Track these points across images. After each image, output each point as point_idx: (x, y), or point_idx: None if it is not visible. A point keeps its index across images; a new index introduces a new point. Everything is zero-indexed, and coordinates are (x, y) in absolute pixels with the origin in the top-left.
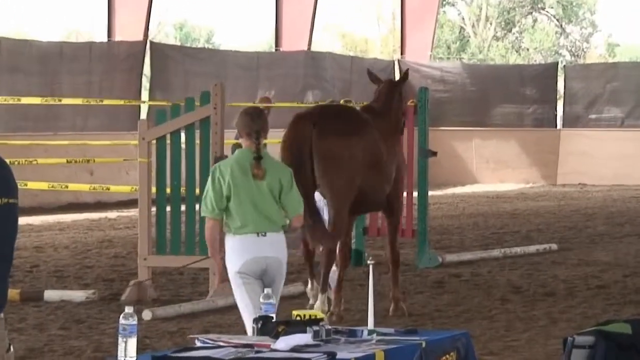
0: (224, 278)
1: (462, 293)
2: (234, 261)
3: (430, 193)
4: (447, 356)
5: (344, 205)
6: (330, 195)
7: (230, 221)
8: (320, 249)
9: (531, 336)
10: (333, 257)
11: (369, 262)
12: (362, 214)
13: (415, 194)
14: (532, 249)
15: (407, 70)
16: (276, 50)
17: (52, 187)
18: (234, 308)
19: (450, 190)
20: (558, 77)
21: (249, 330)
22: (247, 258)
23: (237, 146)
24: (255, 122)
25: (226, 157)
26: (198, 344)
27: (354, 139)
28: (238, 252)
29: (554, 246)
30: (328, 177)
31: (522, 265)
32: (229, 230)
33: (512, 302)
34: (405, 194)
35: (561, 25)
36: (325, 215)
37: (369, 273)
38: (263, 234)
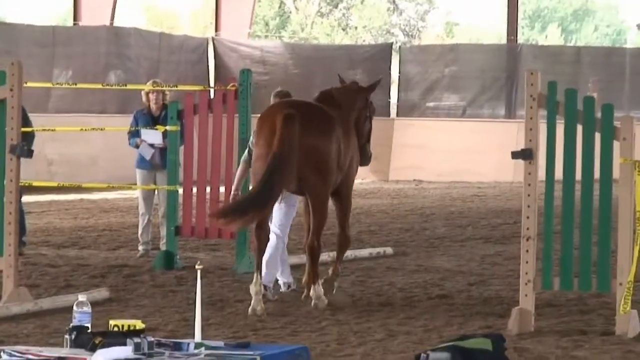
0: None
1: (288, 301)
2: None
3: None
4: None
5: (327, 199)
6: (317, 192)
7: None
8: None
9: (367, 351)
10: (317, 249)
11: (196, 267)
12: None
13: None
14: (364, 253)
15: (380, 79)
16: (74, 24)
17: None
18: (30, 316)
19: None
20: (392, 60)
21: None
22: None
23: None
24: None
25: (24, 144)
26: (4, 356)
27: (331, 137)
28: None
29: (389, 250)
30: (315, 176)
31: (353, 271)
32: None
33: (345, 313)
34: (223, 189)
35: (394, 1)
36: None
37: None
38: None
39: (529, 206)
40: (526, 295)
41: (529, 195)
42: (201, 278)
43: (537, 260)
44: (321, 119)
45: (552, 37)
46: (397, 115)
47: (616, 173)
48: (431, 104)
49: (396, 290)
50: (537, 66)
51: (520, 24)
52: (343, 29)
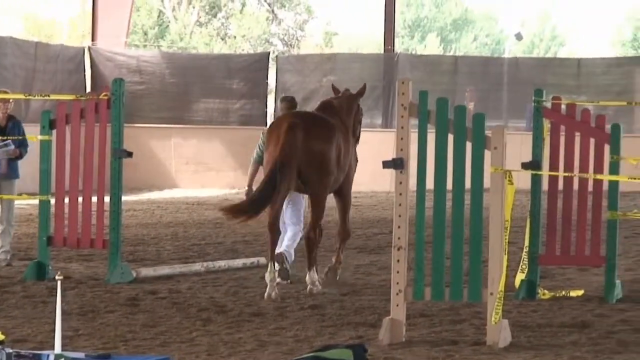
0: None
1: (158, 312)
2: None
3: (123, 198)
4: None
5: (326, 198)
6: (317, 191)
7: None
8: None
9: None
10: (313, 239)
11: (56, 277)
12: None
13: (107, 199)
14: (238, 262)
15: (365, 85)
16: None
17: None
18: None
19: (146, 196)
20: (269, 69)
21: None
22: None
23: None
24: None
25: None
26: None
27: (333, 144)
28: None
29: (263, 260)
30: (316, 177)
31: (226, 281)
32: None
33: (215, 323)
34: (95, 199)
35: (273, 11)
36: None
37: (56, 290)
38: None
39: (400, 216)
40: (397, 305)
41: (400, 204)
42: (73, 288)
43: (409, 270)
44: (323, 127)
45: (432, 46)
46: None
47: (487, 182)
48: None
49: (268, 300)
50: (414, 75)
51: (400, 34)
52: (222, 39)
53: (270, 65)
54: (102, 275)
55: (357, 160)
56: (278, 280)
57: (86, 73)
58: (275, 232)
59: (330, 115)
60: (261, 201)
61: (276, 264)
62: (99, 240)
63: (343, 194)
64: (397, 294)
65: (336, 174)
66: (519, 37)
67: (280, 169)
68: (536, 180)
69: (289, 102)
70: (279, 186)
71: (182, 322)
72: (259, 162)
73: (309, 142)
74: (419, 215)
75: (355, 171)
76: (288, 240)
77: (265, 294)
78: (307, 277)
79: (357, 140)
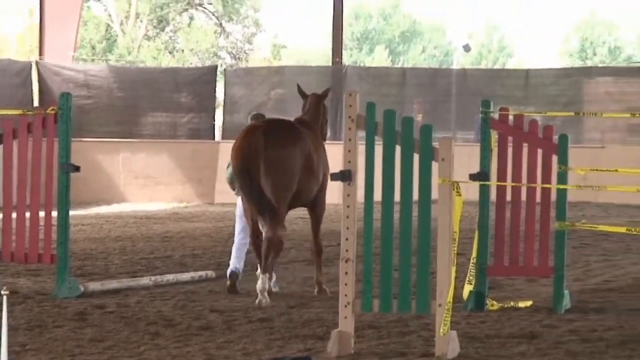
0: None
1: (107, 327)
2: None
3: (71, 213)
4: None
5: (285, 202)
6: (275, 194)
7: None
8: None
9: None
10: (274, 244)
11: (2, 292)
12: (294, 207)
13: (54, 214)
14: (186, 276)
15: (329, 88)
16: None
17: None
18: None
19: (94, 210)
20: (217, 83)
21: None
22: None
23: None
24: None
25: None
26: None
27: (295, 148)
28: None
29: (211, 273)
30: (273, 179)
31: (174, 295)
32: None
33: (164, 337)
34: (43, 214)
35: (221, 24)
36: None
37: (1, 305)
38: None
39: (348, 228)
40: (345, 317)
41: (347, 216)
42: (20, 303)
43: (358, 282)
44: (284, 132)
45: (380, 58)
46: (223, 137)
47: (435, 194)
48: None
49: (217, 314)
50: (363, 87)
51: (348, 46)
52: (170, 52)
53: (218, 79)
54: (50, 290)
55: (329, 170)
56: (276, 289)
57: (33, 87)
58: (259, 244)
59: (302, 125)
60: (258, 203)
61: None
62: (47, 255)
63: (317, 203)
64: (346, 306)
65: (303, 183)
66: (467, 48)
67: (239, 174)
68: (484, 191)
69: (258, 120)
70: (248, 189)
71: (130, 337)
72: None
73: (266, 145)
74: (367, 227)
75: (328, 181)
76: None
77: (257, 301)
78: (259, 283)
79: (323, 138)
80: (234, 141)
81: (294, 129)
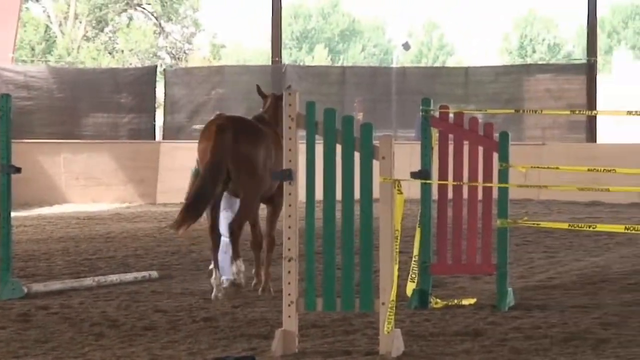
0: None
1: (51, 328)
2: None
3: (13, 214)
4: None
5: (256, 199)
6: (246, 192)
7: None
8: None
9: None
10: (238, 240)
11: None
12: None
13: None
14: (129, 276)
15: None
16: None
17: None
18: None
19: (36, 211)
20: (157, 83)
21: None
22: None
23: None
24: None
25: None
26: None
27: (261, 147)
28: None
29: (155, 274)
30: (244, 178)
31: (118, 295)
32: None
33: (108, 338)
34: None
35: (160, 24)
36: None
37: None
38: None
39: (290, 227)
40: (289, 316)
41: (289, 215)
42: None
43: (301, 281)
44: (251, 130)
45: (320, 57)
46: (163, 138)
47: (377, 192)
48: (197, 127)
49: (161, 314)
50: (302, 87)
51: (287, 45)
52: (109, 53)
53: (158, 79)
54: None
55: None
56: (225, 283)
57: None
58: (215, 236)
59: (262, 124)
60: (198, 202)
61: (221, 276)
62: None
63: (276, 201)
64: (289, 305)
65: (267, 179)
66: (406, 46)
67: (210, 170)
68: (426, 190)
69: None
70: (210, 187)
71: (74, 337)
72: (197, 175)
73: (238, 144)
74: (308, 226)
75: None
76: (223, 254)
77: (212, 295)
78: (233, 267)
79: (281, 136)
80: (199, 138)
81: (258, 127)
